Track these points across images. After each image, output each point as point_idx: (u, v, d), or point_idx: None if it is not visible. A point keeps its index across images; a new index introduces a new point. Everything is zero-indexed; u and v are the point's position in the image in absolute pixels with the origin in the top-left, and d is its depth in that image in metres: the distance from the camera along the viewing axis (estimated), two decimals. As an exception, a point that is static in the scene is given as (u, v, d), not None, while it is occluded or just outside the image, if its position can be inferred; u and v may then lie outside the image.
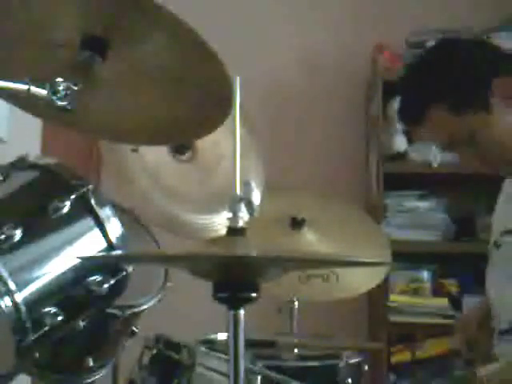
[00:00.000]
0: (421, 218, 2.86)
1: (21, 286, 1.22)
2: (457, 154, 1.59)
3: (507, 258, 1.57)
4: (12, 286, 1.20)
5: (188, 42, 1.21)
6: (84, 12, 1.23)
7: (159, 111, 1.38)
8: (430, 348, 2.74)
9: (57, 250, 1.29)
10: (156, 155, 1.79)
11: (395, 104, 2.91)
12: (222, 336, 1.79)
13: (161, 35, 1.23)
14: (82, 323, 1.33)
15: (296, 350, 1.87)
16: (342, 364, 1.66)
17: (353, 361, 1.70)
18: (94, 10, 1.22)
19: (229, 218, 1.10)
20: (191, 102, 1.34)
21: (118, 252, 1.34)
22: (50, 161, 1.40)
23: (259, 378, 1.50)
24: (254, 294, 1.06)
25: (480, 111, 1.49)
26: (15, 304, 1.20)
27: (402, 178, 2.85)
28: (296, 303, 2.06)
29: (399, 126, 2.89)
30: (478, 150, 1.52)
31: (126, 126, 1.43)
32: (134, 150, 1.69)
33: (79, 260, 1.28)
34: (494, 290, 1.63)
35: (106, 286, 1.31)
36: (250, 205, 1.09)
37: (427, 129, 1.56)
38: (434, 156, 2.82)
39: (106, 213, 1.34)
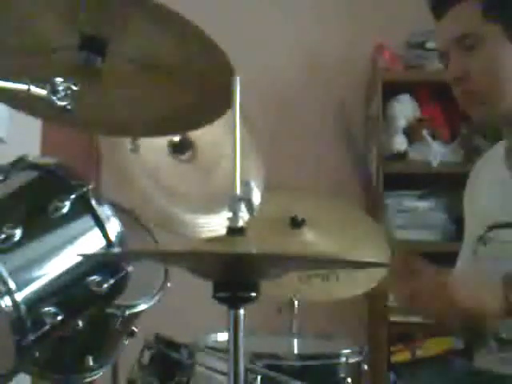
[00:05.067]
0: (421, 217, 2.86)
1: (21, 286, 1.22)
2: (446, 68, 1.51)
3: (498, 255, 1.49)
4: (12, 285, 1.21)
5: (188, 36, 1.21)
6: (84, 12, 1.23)
7: (158, 102, 1.38)
8: (430, 348, 2.74)
9: (57, 249, 1.29)
10: (156, 155, 1.79)
11: (395, 104, 2.93)
12: (221, 336, 1.79)
13: (160, 35, 1.23)
14: (81, 323, 1.34)
15: (296, 350, 1.87)
16: (341, 364, 1.66)
17: (353, 361, 1.70)
18: (93, 10, 1.22)
19: (229, 218, 1.10)
20: (191, 92, 1.34)
21: (118, 250, 1.35)
22: (49, 161, 1.41)
23: (259, 378, 1.50)
24: (253, 294, 1.06)
25: (506, 30, 1.43)
26: (15, 303, 1.20)
27: (402, 178, 2.85)
28: (296, 303, 2.06)
29: (399, 126, 2.90)
30: (472, 63, 1.46)
31: (126, 117, 1.43)
32: (134, 151, 1.69)
33: (79, 260, 1.28)
34: None
35: (105, 285, 1.31)
36: (249, 205, 1.09)
37: (447, 20, 1.48)
38: (434, 156, 2.83)
39: (105, 212, 1.34)
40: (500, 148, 1.58)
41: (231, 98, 1.23)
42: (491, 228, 1.50)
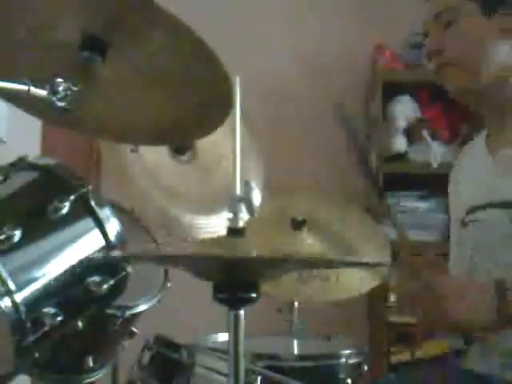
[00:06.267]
0: (421, 218, 2.86)
1: (20, 287, 1.22)
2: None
3: (479, 236, 1.50)
4: (12, 286, 1.20)
5: (187, 43, 1.21)
6: (84, 12, 1.23)
7: (159, 111, 1.38)
8: (430, 348, 2.74)
9: (56, 250, 1.29)
10: (156, 155, 1.79)
11: (395, 104, 2.92)
12: (222, 337, 1.79)
13: (161, 35, 1.23)
14: (81, 323, 1.33)
15: (296, 351, 1.87)
16: (341, 364, 1.66)
17: (352, 361, 1.70)
18: (93, 10, 1.22)
19: (229, 219, 1.10)
20: (191, 102, 1.34)
21: (119, 252, 1.34)
22: (49, 161, 1.40)
23: (259, 378, 1.50)
24: (254, 295, 1.06)
25: (482, 7, 1.48)
26: (15, 304, 1.20)
27: (402, 178, 2.85)
28: (296, 303, 2.06)
29: (399, 127, 2.89)
30: (447, 38, 1.50)
31: (126, 125, 1.43)
32: (134, 151, 1.69)
33: (79, 260, 1.28)
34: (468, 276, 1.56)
35: (105, 286, 1.31)
36: (250, 205, 1.09)
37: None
38: (434, 156, 2.83)
39: (105, 213, 1.34)
40: (482, 136, 1.60)
41: (230, 108, 1.23)
42: (470, 211, 1.52)
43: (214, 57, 1.21)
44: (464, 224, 1.55)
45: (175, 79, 1.31)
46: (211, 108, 1.33)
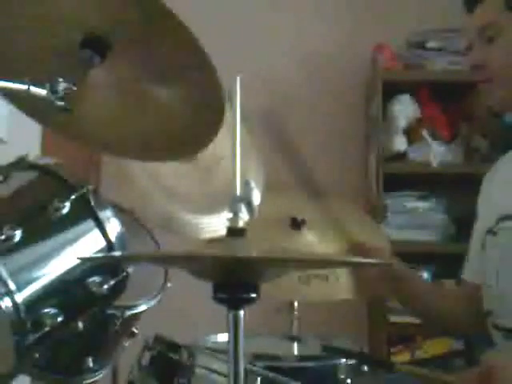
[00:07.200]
0: (421, 218, 2.86)
1: (21, 287, 1.22)
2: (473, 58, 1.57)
3: (507, 245, 1.51)
4: (12, 286, 1.20)
5: (187, 43, 1.21)
6: (84, 12, 1.23)
7: (154, 124, 1.37)
8: (430, 349, 2.74)
9: (57, 250, 1.29)
10: (156, 155, 1.79)
11: (395, 104, 2.92)
12: (221, 337, 1.79)
13: (161, 35, 1.22)
14: (81, 324, 1.33)
15: (296, 351, 1.87)
16: (341, 364, 1.66)
17: (352, 361, 1.70)
18: (94, 10, 1.22)
19: (229, 219, 1.10)
20: (184, 114, 1.34)
21: (118, 253, 1.34)
22: (49, 161, 1.40)
23: (259, 378, 1.50)
24: (253, 295, 1.06)
25: None
26: (15, 304, 1.20)
27: (402, 178, 2.85)
28: (296, 304, 2.06)
29: (399, 126, 2.89)
30: (492, 52, 1.52)
31: (125, 138, 1.42)
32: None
33: (79, 261, 1.28)
34: (495, 281, 1.55)
35: (105, 286, 1.31)
36: (250, 205, 1.09)
37: (474, 13, 1.56)
38: (434, 156, 2.82)
39: (105, 213, 1.34)
40: None
41: (221, 120, 1.23)
42: (502, 219, 1.52)
43: (207, 61, 1.20)
44: (493, 233, 1.55)
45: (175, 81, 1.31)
46: (205, 121, 1.33)
